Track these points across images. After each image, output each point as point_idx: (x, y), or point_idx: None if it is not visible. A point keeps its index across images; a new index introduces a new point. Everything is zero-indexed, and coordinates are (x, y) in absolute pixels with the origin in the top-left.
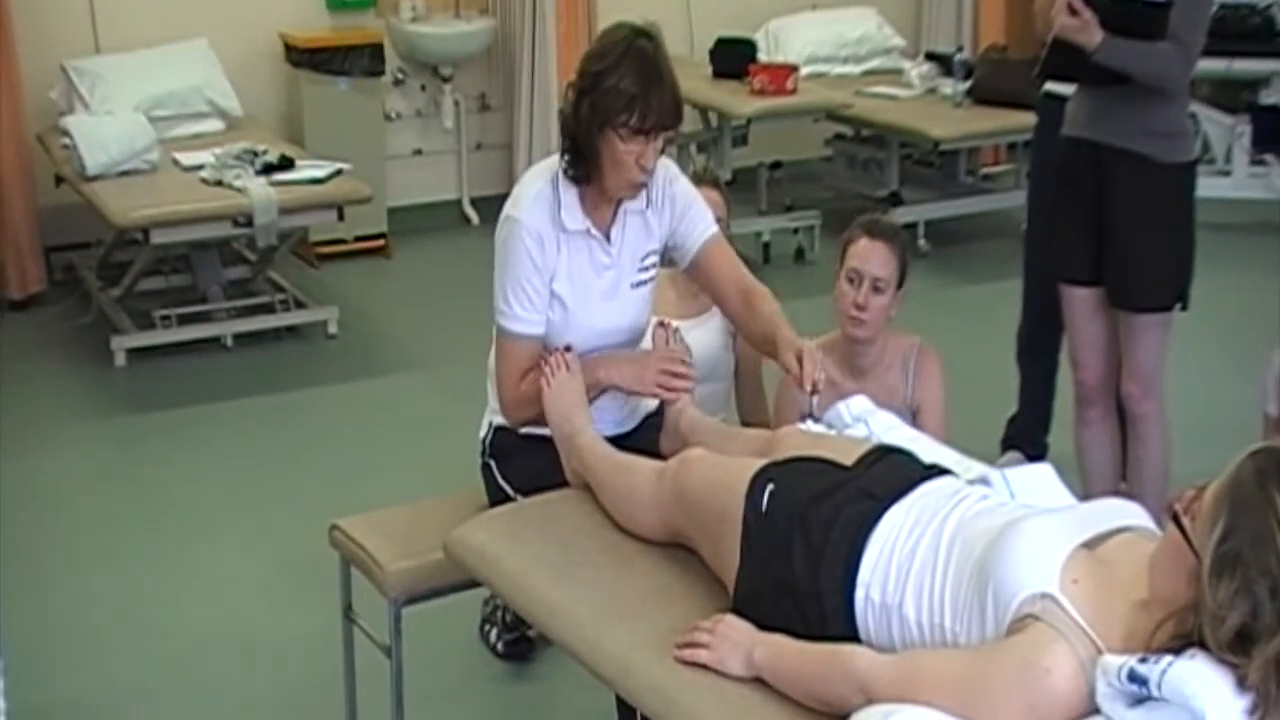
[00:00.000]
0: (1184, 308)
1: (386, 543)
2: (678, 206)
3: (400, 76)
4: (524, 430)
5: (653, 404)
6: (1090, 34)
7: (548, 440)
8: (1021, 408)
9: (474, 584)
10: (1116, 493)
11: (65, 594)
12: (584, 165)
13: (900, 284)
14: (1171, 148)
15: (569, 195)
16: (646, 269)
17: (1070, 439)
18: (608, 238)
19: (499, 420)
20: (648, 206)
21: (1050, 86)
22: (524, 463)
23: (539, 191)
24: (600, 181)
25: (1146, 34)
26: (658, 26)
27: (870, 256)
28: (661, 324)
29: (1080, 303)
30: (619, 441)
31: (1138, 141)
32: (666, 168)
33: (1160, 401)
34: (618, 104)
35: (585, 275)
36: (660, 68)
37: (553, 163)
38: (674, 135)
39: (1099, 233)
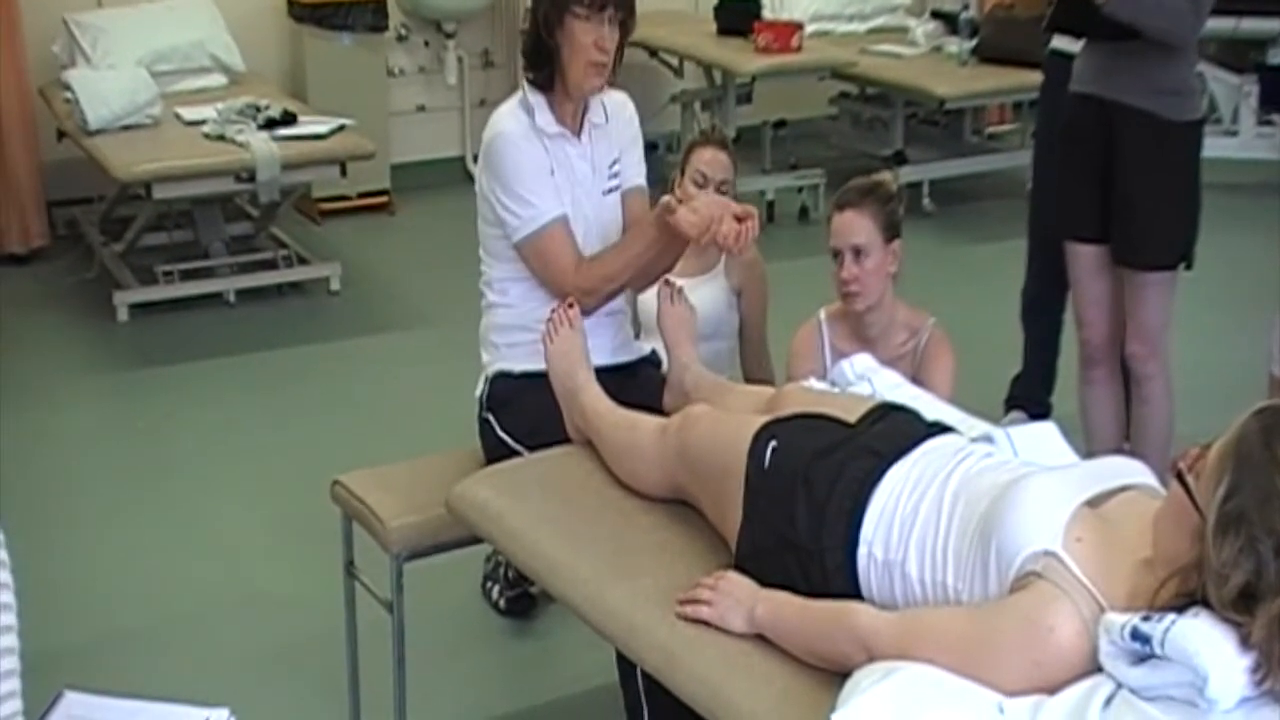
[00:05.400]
0: (1189, 267)
1: (388, 498)
2: (626, 137)
3: (403, 32)
4: (520, 369)
5: (647, 346)
6: None
7: (546, 380)
8: (1025, 367)
9: (476, 540)
10: (1120, 452)
11: (67, 547)
12: (547, 65)
13: (891, 239)
14: (1179, 105)
15: (539, 101)
16: (614, 175)
17: (1074, 399)
18: (579, 139)
19: (494, 368)
20: (607, 120)
21: (1057, 44)
22: (523, 410)
23: (511, 110)
24: (564, 79)
25: None
26: None
27: (841, 229)
28: (666, 282)
29: (1085, 260)
30: (617, 393)
31: (1145, 98)
32: (626, 104)
33: (1165, 361)
34: None
35: (569, 174)
36: None
37: (516, 95)
38: (629, 25)
39: (1105, 189)
